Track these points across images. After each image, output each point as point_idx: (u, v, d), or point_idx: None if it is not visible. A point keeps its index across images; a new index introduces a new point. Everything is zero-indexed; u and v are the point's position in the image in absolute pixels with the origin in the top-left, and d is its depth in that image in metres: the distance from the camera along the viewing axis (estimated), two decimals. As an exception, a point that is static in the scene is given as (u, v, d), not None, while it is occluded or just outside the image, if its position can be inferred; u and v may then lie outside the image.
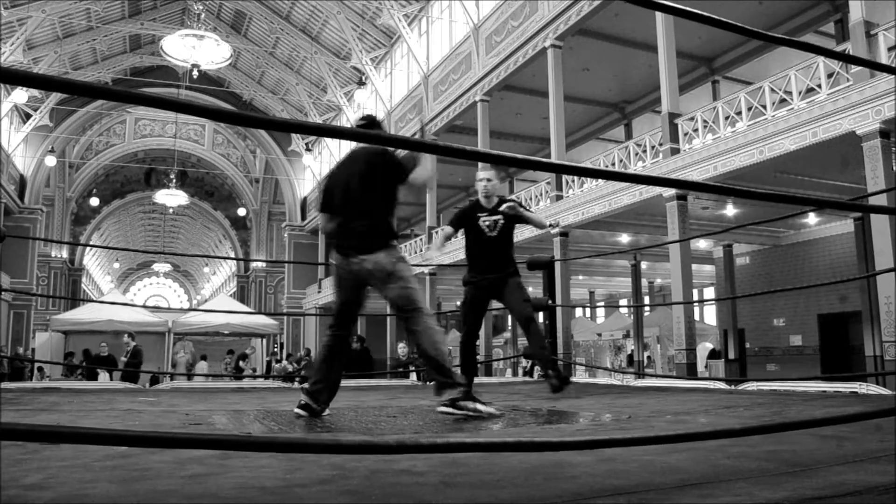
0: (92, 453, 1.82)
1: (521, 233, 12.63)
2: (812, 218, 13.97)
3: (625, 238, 15.45)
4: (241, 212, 33.91)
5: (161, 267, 42.62)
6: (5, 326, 21.88)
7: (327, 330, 3.21)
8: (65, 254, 29.77)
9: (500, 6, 15.83)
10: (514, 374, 18.12)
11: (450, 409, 3.01)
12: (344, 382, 4.25)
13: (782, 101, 9.51)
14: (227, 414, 3.19)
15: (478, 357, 5.18)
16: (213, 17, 24.08)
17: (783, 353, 15.61)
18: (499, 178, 4.55)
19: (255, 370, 16.09)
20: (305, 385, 3.16)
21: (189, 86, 23.15)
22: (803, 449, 1.86)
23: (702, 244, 16.35)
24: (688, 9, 1.64)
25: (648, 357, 19.02)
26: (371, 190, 3.04)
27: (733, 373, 15.77)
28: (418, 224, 25.89)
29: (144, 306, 26.40)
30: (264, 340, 18.87)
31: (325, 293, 25.52)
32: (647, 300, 22.84)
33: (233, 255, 34.69)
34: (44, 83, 1.19)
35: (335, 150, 27.48)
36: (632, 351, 19.25)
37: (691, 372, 9.93)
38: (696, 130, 10.75)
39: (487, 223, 4.37)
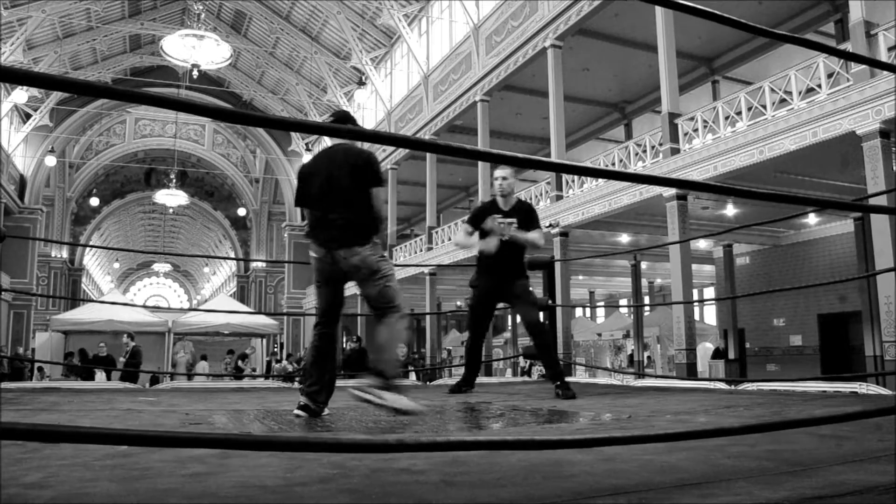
0: (92, 452, 1.82)
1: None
2: (812, 218, 13.97)
3: (625, 238, 15.45)
4: (241, 212, 33.91)
5: (161, 267, 42.63)
6: (5, 326, 21.88)
7: (314, 329, 3.17)
8: (65, 254, 29.77)
9: (500, 6, 15.83)
10: (514, 374, 18.12)
11: (366, 395, 2.89)
12: (344, 382, 4.24)
13: (782, 101, 9.51)
14: (227, 413, 3.19)
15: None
16: (213, 17, 24.08)
17: (783, 353, 15.61)
18: (515, 176, 4.49)
19: (254, 370, 16.09)
20: (303, 386, 3.14)
21: (189, 86, 23.13)
22: (803, 448, 1.86)
23: (702, 244, 16.35)
24: (688, 3, 1.64)
25: (648, 357, 19.02)
26: (354, 186, 3.00)
27: (733, 373, 15.77)
28: (418, 224, 25.89)
29: (144, 306, 26.39)
30: (264, 340, 18.87)
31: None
32: (647, 300, 22.83)
33: (233, 256, 34.68)
34: (47, 82, 1.19)
35: (335, 150, 27.46)
36: (632, 351, 19.25)
37: (691, 372, 9.93)
38: (696, 130, 10.75)
39: (501, 225, 4.28)
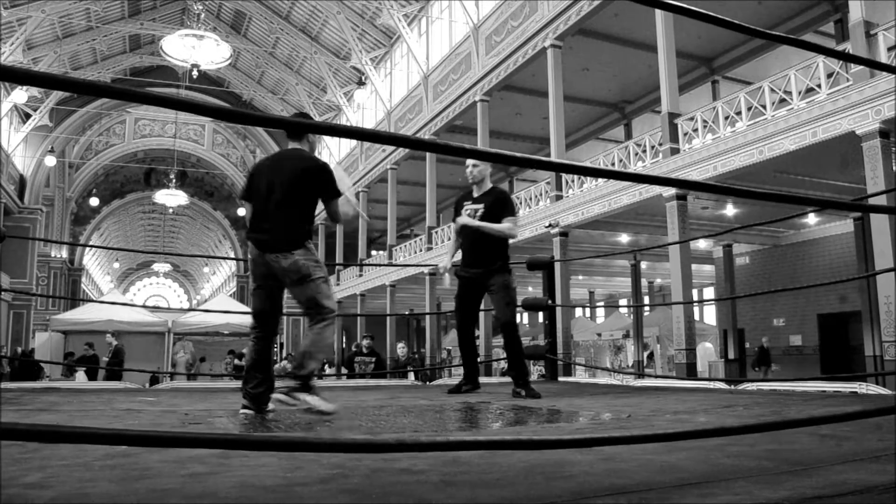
0: (92, 452, 1.81)
1: (521, 233, 12.62)
2: (812, 218, 13.97)
3: (625, 238, 15.46)
4: (241, 212, 33.87)
5: (161, 267, 42.65)
6: (5, 326, 21.88)
7: (251, 331, 3.17)
8: (64, 254, 29.76)
9: (499, 6, 15.83)
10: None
11: (285, 398, 2.97)
12: (343, 382, 4.24)
13: (782, 101, 9.51)
14: (227, 413, 3.19)
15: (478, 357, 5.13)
16: (212, 17, 24.09)
17: (783, 353, 15.62)
18: (486, 163, 4.47)
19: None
20: (246, 388, 3.09)
21: (189, 86, 23.16)
22: (803, 448, 1.86)
23: (701, 244, 16.36)
24: (684, 6, 1.64)
25: (649, 356, 19.01)
26: (298, 192, 3.02)
27: (733, 373, 15.78)
28: (418, 224, 25.89)
29: (144, 306, 26.39)
30: (264, 340, 18.82)
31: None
32: (646, 300, 22.84)
33: (233, 255, 34.68)
34: (47, 82, 1.19)
35: (335, 150, 27.49)
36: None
37: (691, 372, 9.93)
38: (695, 130, 10.76)
39: (468, 212, 4.30)
